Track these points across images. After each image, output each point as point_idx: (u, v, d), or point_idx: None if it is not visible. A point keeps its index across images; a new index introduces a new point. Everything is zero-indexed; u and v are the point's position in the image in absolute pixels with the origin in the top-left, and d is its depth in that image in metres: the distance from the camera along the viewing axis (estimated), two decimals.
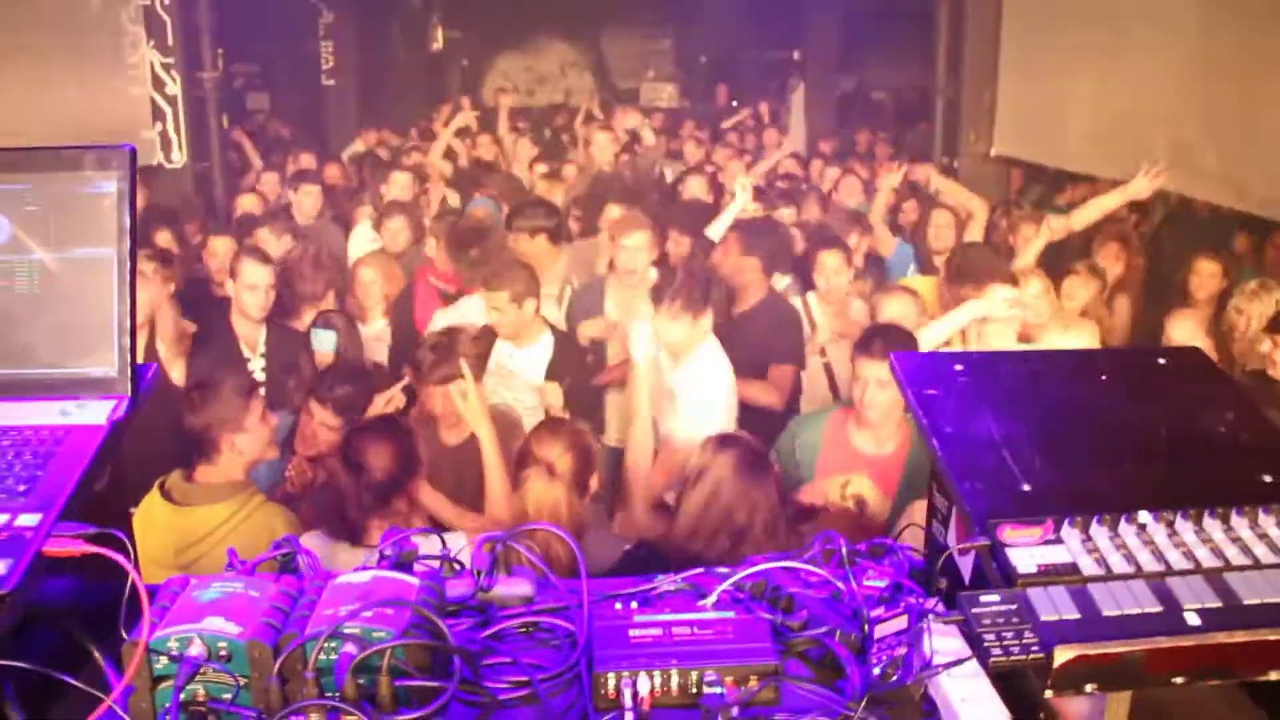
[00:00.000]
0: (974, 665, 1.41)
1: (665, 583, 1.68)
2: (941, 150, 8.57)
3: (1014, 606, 1.17)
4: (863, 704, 1.36)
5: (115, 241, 1.45)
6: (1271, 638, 1.12)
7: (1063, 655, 1.10)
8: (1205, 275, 5.28)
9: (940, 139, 8.69)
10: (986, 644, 1.12)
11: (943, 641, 1.44)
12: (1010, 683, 1.38)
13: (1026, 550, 1.25)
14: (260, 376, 4.22)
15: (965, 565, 1.59)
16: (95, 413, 1.40)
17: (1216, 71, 6.03)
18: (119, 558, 1.21)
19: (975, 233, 6.00)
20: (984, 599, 1.18)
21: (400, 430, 3.01)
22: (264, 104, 13.50)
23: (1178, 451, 1.47)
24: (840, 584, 1.59)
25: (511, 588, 1.64)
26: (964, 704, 1.33)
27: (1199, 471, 1.42)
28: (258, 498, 2.94)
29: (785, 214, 6.43)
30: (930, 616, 1.45)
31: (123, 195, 1.46)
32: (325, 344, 4.45)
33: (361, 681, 1.26)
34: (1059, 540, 1.27)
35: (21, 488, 1.27)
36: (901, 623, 1.48)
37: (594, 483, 3.04)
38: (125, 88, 7.60)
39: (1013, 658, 1.11)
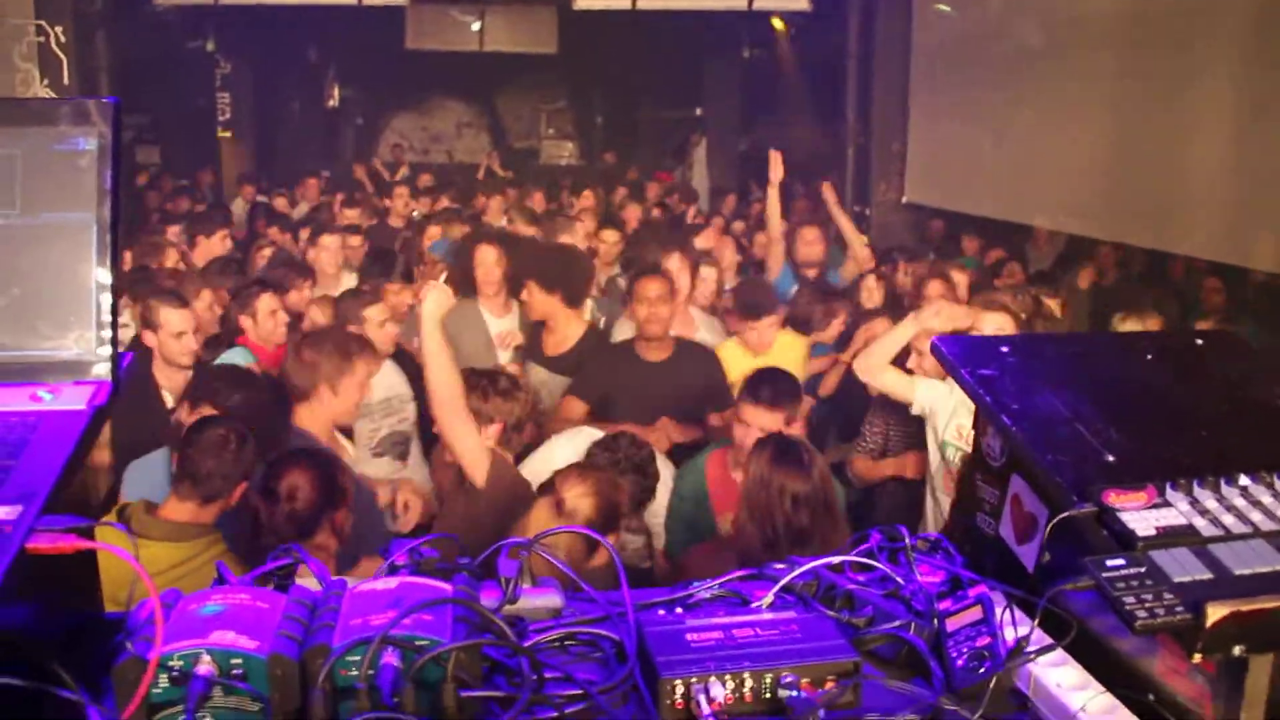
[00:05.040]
0: (1061, 652, 1.32)
1: (702, 590, 1.54)
2: (853, 199, 8.74)
3: (1143, 569, 1.08)
4: (958, 698, 1.24)
5: (94, 205, 1.27)
6: None
7: (1216, 613, 1.01)
8: None
9: (851, 188, 8.87)
10: (1129, 607, 1.02)
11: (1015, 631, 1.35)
12: (1102, 666, 1.28)
13: (1138, 514, 1.16)
14: None
15: (1027, 554, 1.51)
16: (73, 397, 1.20)
17: (1104, 122, 6.33)
18: (120, 551, 1.01)
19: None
20: (1110, 563, 1.08)
21: (322, 460, 2.83)
22: (154, 157, 12.95)
23: (1244, 420, 1.42)
24: (900, 579, 1.48)
25: (539, 599, 1.47)
26: (1065, 691, 1.23)
27: (1273, 437, 1.36)
28: (219, 546, 2.67)
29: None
30: (1001, 605, 1.36)
31: (104, 153, 1.27)
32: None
33: (415, 692, 1.07)
34: (1166, 504, 1.18)
35: None
36: (975, 613, 1.38)
37: (599, 556, 2.58)
38: None
39: (1159, 619, 1.01)
